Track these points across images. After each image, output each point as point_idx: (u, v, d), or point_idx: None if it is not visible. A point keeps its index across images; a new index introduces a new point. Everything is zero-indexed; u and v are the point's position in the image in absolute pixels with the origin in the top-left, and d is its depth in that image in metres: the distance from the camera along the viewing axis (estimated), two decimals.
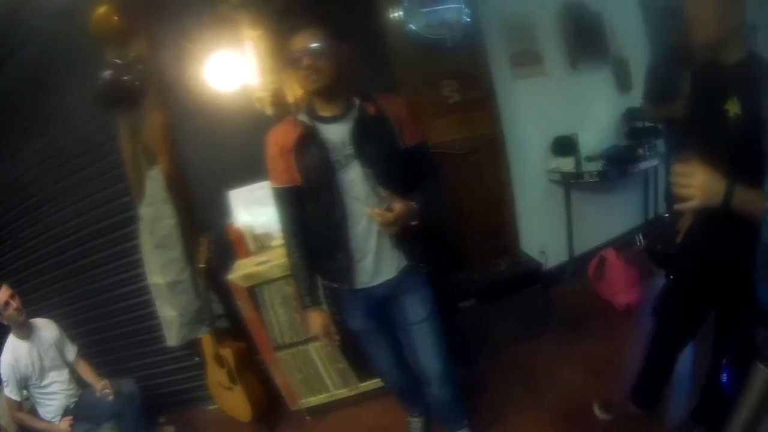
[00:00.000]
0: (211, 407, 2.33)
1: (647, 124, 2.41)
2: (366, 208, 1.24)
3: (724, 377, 1.42)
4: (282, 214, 1.36)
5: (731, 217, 0.91)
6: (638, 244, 1.90)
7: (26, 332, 1.91)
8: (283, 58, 1.22)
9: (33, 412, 1.97)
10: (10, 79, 2.16)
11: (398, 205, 1.20)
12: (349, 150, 1.23)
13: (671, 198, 2.06)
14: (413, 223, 1.27)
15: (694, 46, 1.18)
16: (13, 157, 2.31)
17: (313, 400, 2.05)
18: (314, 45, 1.16)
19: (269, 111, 2.01)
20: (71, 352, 2.06)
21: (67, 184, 2.26)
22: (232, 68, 2.01)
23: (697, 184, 0.92)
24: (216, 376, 2.10)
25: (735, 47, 1.07)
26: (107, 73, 1.98)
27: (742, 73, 1.05)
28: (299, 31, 1.18)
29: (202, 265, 1.96)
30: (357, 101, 1.25)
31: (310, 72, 1.17)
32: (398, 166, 1.28)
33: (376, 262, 1.31)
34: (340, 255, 1.30)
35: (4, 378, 1.84)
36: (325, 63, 1.17)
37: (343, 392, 2.04)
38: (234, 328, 2.12)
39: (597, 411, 1.68)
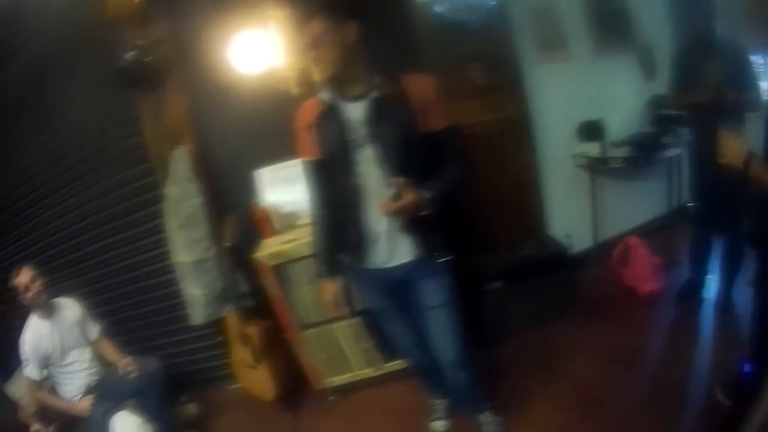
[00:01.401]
0: (233, 386, 2.36)
1: (672, 111, 2.39)
2: (379, 190, 1.23)
3: (746, 368, 1.42)
4: (309, 186, 1.38)
5: None
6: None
7: (48, 312, 1.92)
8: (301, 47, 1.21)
9: (53, 391, 1.98)
10: (32, 63, 2.17)
11: (407, 195, 1.17)
12: (366, 130, 1.22)
13: (696, 187, 2.07)
14: (424, 213, 1.24)
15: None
16: (32, 141, 2.33)
17: (337, 380, 2.07)
18: (315, 36, 1.15)
19: (295, 91, 2.02)
20: (94, 331, 2.08)
21: (89, 165, 2.28)
22: (256, 48, 2.01)
23: (728, 148, 1.18)
24: (240, 355, 2.12)
25: None
26: (129, 55, 2.00)
27: None
28: (306, 21, 1.17)
29: (228, 244, 1.98)
30: (378, 81, 1.22)
31: (315, 63, 1.18)
32: (413, 149, 1.24)
33: (389, 244, 1.30)
34: (353, 233, 1.30)
35: (24, 358, 1.86)
36: (328, 53, 1.16)
37: (367, 372, 2.05)
38: (259, 307, 2.14)
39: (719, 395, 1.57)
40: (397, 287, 1.41)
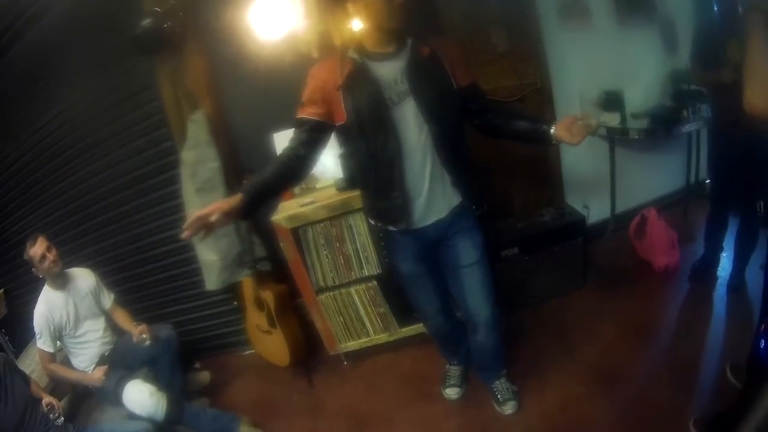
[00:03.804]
0: (247, 352, 2.37)
1: (692, 86, 2.37)
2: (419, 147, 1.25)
3: (762, 343, 1.41)
4: (291, 141, 1.28)
5: None
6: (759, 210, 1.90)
7: (62, 283, 1.92)
8: None
9: (66, 362, 1.98)
10: (49, 32, 2.15)
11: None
12: (402, 87, 1.23)
13: (714, 164, 2.05)
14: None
15: None
16: (49, 111, 2.32)
17: (352, 345, 2.08)
18: None
19: (316, 54, 2.00)
20: (108, 300, 2.07)
21: (106, 132, 2.27)
22: (277, 11, 1.99)
23: None
24: (255, 320, 2.13)
25: None
26: (147, 21, 1.98)
27: None
28: None
29: None
30: (409, 41, 1.25)
31: (403, 7, 1.16)
32: (451, 105, 1.28)
33: (428, 201, 1.31)
34: (396, 194, 1.29)
35: (37, 330, 1.85)
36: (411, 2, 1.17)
37: (382, 337, 2.06)
38: (275, 271, 2.15)
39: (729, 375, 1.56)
40: (431, 249, 1.42)
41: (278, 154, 1.30)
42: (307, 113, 1.27)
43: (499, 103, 1.42)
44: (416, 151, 1.26)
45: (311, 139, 1.28)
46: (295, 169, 1.28)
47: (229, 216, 1.13)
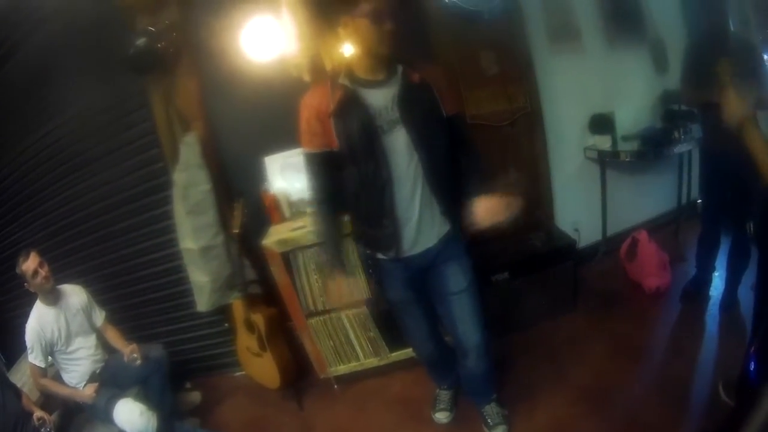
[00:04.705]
0: (238, 373, 2.36)
1: (683, 107, 2.38)
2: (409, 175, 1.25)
3: (751, 365, 1.41)
4: (313, 180, 1.34)
5: None
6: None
7: (54, 299, 1.91)
8: (357, 14, 1.16)
9: (57, 378, 1.97)
10: (42, 50, 2.15)
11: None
12: (393, 115, 1.23)
13: (705, 184, 2.07)
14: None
15: None
16: (41, 128, 2.33)
17: (342, 369, 2.07)
18: (392, 9, 1.15)
19: (306, 77, 2.01)
20: (99, 317, 2.06)
21: (99, 151, 2.27)
22: (268, 34, 2.00)
23: (730, 105, 1.20)
24: (245, 342, 2.12)
25: None
26: (141, 41, 1.98)
27: None
28: None
29: (236, 231, 1.97)
30: (400, 68, 1.25)
31: (393, 33, 1.17)
32: (441, 133, 1.29)
33: (417, 229, 1.31)
34: (387, 221, 1.29)
35: (29, 344, 1.84)
36: (398, 29, 1.18)
37: (372, 361, 2.05)
38: (266, 294, 2.14)
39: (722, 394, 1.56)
40: (420, 276, 1.42)
41: (317, 210, 1.38)
42: (314, 146, 1.29)
43: (470, 143, 1.41)
44: (406, 179, 1.26)
45: (330, 176, 1.32)
46: (337, 210, 1.38)
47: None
